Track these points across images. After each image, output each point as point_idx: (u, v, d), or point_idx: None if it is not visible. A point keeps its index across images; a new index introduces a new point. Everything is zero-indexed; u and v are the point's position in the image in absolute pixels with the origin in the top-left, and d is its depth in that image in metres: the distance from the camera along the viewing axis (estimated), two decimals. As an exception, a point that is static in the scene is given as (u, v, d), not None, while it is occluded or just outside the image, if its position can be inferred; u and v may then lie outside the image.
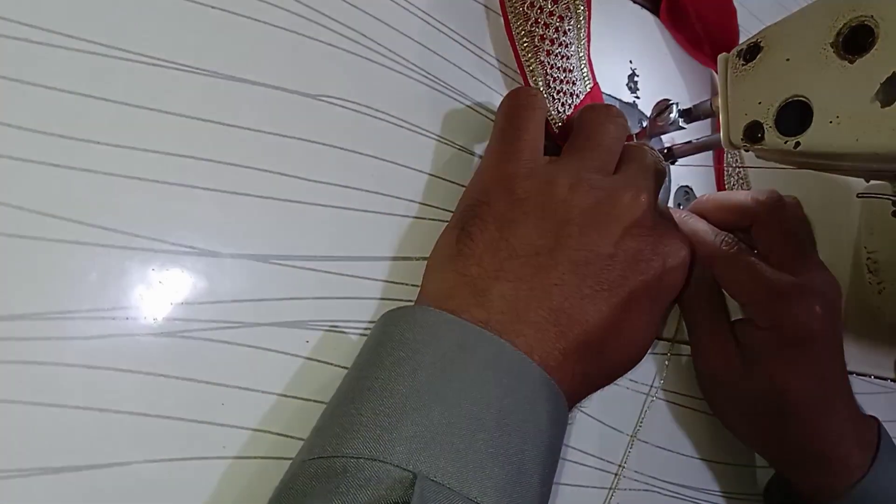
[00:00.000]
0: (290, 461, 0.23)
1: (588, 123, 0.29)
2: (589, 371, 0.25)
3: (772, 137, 0.27)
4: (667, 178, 0.39)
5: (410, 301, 0.28)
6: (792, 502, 0.36)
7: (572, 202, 0.25)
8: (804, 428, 0.33)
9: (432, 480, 0.19)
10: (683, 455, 0.38)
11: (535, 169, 0.26)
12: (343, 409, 0.22)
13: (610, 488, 0.34)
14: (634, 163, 0.28)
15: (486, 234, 0.25)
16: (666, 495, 0.37)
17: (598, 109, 0.29)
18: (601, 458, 0.34)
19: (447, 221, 0.30)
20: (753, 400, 0.33)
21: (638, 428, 0.36)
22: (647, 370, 0.37)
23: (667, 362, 0.37)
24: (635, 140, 0.36)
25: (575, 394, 0.25)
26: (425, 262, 0.29)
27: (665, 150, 0.37)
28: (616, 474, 0.34)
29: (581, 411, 0.34)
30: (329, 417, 0.22)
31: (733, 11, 0.42)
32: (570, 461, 0.33)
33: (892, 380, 0.51)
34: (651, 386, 0.37)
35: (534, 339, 0.23)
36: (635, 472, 0.35)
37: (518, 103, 0.28)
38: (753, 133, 0.28)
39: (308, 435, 0.23)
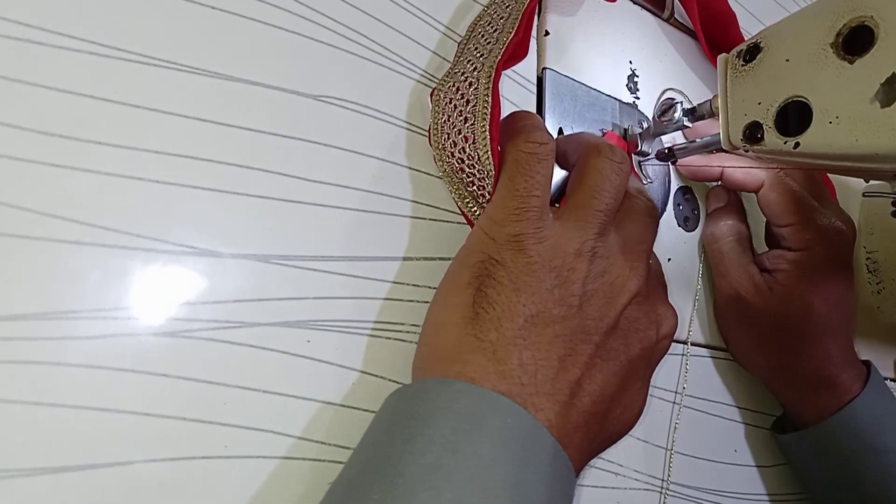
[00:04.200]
0: (292, 461, 0.22)
1: (592, 173, 0.27)
2: (592, 442, 0.25)
3: (771, 138, 0.27)
4: (667, 179, 0.39)
5: (411, 300, 0.28)
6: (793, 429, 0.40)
7: (581, 271, 0.25)
8: (815, 349, 0.37)
9: None
10: (717, 462, 0.38)
11: (546, 231, 0.26)
12: (352, 492, 0.21)
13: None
14: (631, 221, 0.28)
15: (503, 297, 0.24)
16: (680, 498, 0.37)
17: (603, 155, 0.28)
18: (645, 474, 0.35)
19: (447, 221, 0.30)
20: (771, 322, 0.37)
21: (673, 440, 0.37)
22: (670, 375, 0.37)
23: (687, 364, 0.37)
24: (638, 141, 0.36)
25: (579, 466, 0.25)
26: (426, 262, 0.29)
27: (666, 150, 0.37)
28: (662, 490, 0.36)
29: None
30: (338, 501, 0.22)
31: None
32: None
33: (891, 380, 0.51)
34: (676, 392, 0.38)
35: (551, 412, 0.23)
36: (674, 482, 0.35)
37: (530, 152, 0.26)
38: (753, 133, 0.28)
39: None
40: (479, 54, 0.30)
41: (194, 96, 0.25)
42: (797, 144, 0.26)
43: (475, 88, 0.28)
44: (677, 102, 0.34)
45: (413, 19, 0.31)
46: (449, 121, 0.28)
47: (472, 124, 0.27)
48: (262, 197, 0.26)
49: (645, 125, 0.37)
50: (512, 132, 0.28)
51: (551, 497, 0.22)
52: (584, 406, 0.24)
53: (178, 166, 0.24)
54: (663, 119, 0.34)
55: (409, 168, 0.30)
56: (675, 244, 0.39)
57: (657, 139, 0.38)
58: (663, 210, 0.39)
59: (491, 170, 0.27)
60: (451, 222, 0.30)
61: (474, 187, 0.28)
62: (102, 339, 0.22)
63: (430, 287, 0.29)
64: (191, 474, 0.23)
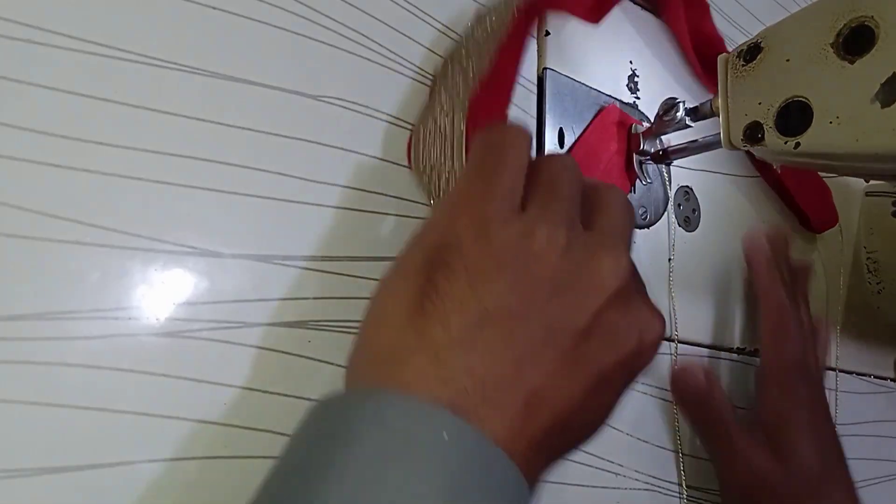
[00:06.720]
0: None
1: (545, 174, 0.24)
2: (550, 454, 0.22)
3: (772, 138, 0.27)
4: (666, 180, 0.39)
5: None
6: None
7: (550, 260, 0.22)
8: None
9: None
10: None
11: (513, 216, 0.22)
12: None
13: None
14: (607, 214, 0.25)
15: (455, 288, 0.21)
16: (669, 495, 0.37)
17: (552, 161, 0.25)
18: (645, 474, 0.35)
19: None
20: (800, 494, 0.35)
21: (679, 443, 0.37)
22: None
23: (675, 364, 0.37)
24: (640, 140, 0.36)
25: (534, 481, 0.21)
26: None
27: (661, 152, 0.37)
28: (681, 496, 0.36)
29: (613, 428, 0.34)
30: None
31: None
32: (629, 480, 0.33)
33: (891, 380, 0.51)
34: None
35: (498, 424, 0.20)
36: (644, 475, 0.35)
37: (503, 139, 0.24)
38: (753, 133, 0.28)
39: None
40: (456, 92, 0.30)
41: (194, 96, 0.25)
42: (797, 144, 0.26)
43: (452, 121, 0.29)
44: (679, 101, 0.34)
45: (412, 18, 0.31)
46: (433, 156, 0.29)
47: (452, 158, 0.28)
48: (263, 197, 0.26)
49: (646, 125, 0.37)
50: (486, 131, 0.25)
51: None
52: (542, 417, 0.21)
53: (177, 166, 0.24)
54: (665, 118, 0.34)
55: (409, 168, 0.30)
56: (674, 244, 0.39)
57: (659, 138, 0.38)
58: (664, 210, 0.39)
59: None
60: (451, 222, 0.30)
61: None
62: (102, 339, 0.22)
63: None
64: (191, 474, 0.23)
